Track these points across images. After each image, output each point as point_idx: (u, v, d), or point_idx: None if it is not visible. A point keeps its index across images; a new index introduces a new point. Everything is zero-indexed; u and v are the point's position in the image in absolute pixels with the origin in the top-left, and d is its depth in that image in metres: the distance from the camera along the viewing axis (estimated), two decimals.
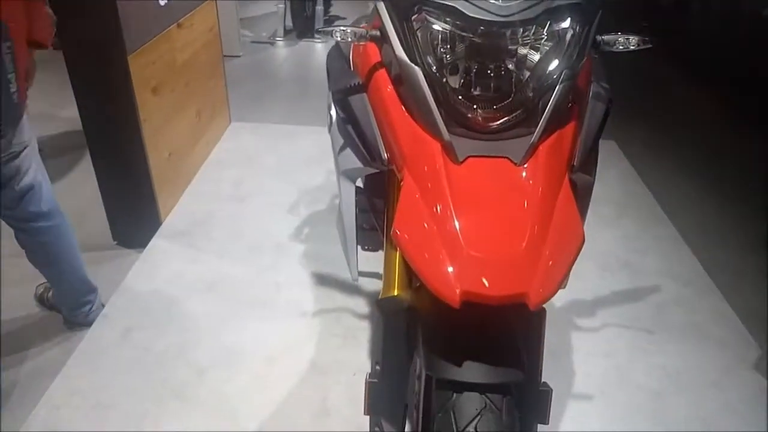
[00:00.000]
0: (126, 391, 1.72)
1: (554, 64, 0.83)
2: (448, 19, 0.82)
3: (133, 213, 2.36)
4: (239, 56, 4.58)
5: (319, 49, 5.03)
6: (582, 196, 0.98)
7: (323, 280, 2.20)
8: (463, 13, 0.80)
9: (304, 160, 3.03)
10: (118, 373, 1.77)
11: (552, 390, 1.01)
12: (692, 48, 4.28)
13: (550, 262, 0.78)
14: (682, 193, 2.88)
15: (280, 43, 5.08)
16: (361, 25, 1.16)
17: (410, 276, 1.09)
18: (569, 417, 1.69)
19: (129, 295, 2.08)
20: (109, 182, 2.30)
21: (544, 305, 1.04)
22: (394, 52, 0.86)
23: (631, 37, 0.90)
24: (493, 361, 0.83)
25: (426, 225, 0.81)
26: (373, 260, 2.22)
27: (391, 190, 1.11)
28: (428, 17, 0.83)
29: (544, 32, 0.84)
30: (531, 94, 0.85)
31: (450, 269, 0.77)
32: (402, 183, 0.87)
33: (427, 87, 0.83)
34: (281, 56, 4.82)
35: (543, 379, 1.00)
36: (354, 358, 1.85)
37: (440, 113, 0.83)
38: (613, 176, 2.98)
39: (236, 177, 2.85)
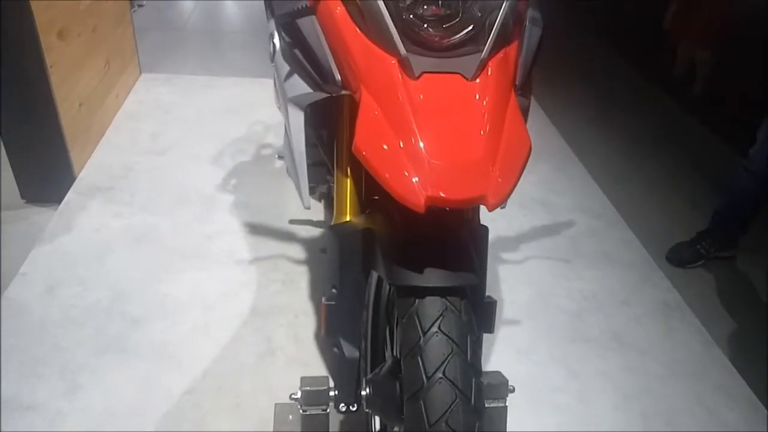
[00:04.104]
0: (57, 347, 1.65)
1: None
2: None
3: (44, 167, 2.21)
4: (143, 5, 4.30)
5: None
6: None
7: (256, 228, 2.19)
8: None
9: (224, 112, 2.94)
10: (46, 330, 1.69)
11: (496, 301, 1.10)
12: (597, 12, 4.51)
13: (504, 168, 0.85)
14: (590, 138, 3.09)
15: None
16: None
17: (361, 202, 1.12)
18: (501, 338, 1.82)
19: (48, 251, 1.97)
20: (15, 134, 2.12)
21: (486, 225, 1.13)
22: None
23: None
24: (450, 267, 0.89)
25: (387, 138, 0.84)
26: (307, 211, 2.23)
27: (340, 116, 1.13)
28: None
29: None
30: (479, 13, 0.89)
31: (413, 177, 0.81)
32: (359, 101, 0.89)
33: (382, 3, 0.85)
34: (189, 5, 4.57)
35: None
36: (295, 301, 1.88)
37: (396, 30, 0.85)
38: (530, 125, 3.13)
39: (153, 129, 2.72)
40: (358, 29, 0.90)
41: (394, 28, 0.85)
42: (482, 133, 0.85)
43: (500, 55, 0.91)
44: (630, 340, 1.88)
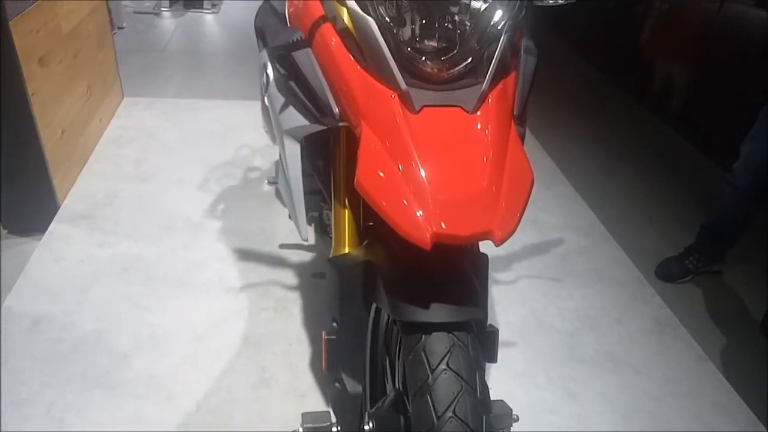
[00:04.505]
0: (43, 384, 1.59)
1: (498, 14, 0.87)
2: None
3: (26, 197, 2.16)
4: (122, 27, 4.27)
5: (209, 20, 4.81)
6: None
7: (245, 254, 2.15)
8: None
9: (208, 135, 2.91)
10: (32, 367, 1.64)
11: (498, 330, 1.08)
12: (580, 30, 4.57)
13: (509, 200, 0.84)
14: (577, 156, 3.12)
15: (166, 13, 4.79)
16: None
17: (360, 232, 1.11)
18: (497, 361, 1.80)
19: (33, 283, 1.91)
20: None
21: (486, 253, 1.12)
22: (345, 3, 0.86)
23: None
24: (456, 300, 0.87)
25: (390, 173, 0.83)
26: (297, 235, 2.20)
27: (337, 146, 1.11)
28: None
29: None
30: (477, 45, 0.89)
31: (419, 213, 0.80)
32: (360, 136, 0.88)
33: (381, 38, 0.84)
34: (169, 27, 4.54)
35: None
36: (288, 329, 1.85)
37: (396, 64, 0.85)
38: None
39: (136, 155, 2.68)
40: (356, 63, 0.89)
41: (393, 63, 0.85)
42: (485, 166, 0.84)
43: (499, 86, 0.91)
44: (625, 359, 1.87)
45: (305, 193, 1.42)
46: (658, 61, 3.66)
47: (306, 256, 2.17)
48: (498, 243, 0.82)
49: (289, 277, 2.06)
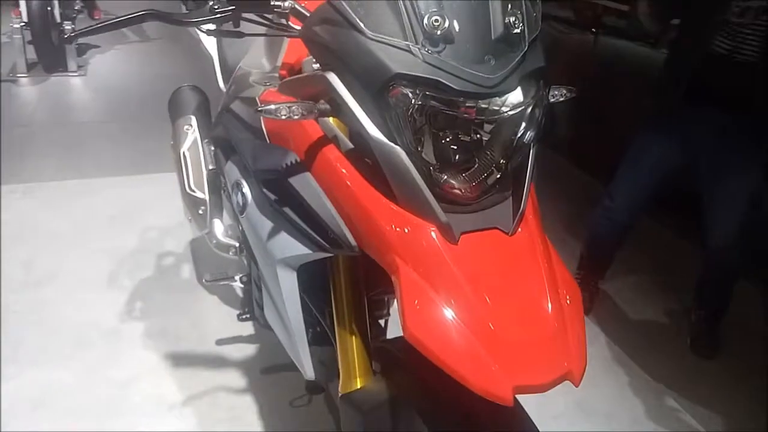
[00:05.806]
0: None
1: (522, 126, 0.81)
2: (428, 93, 0.74)
3: None
4: None
5: (77, 83, 4.39)
6: None
7: (180, 360, 1.91)
8: (448, 86, 0.73)
9: (107, 221, 2.59)
10: None
11: None
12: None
13: (573, 329, 0.77)
14: None
15: (24, 80, 4.29)
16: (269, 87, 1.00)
17: (370, 359, 0.98)
18: None
19: None
20: None
21: None
22: (365, 130, 0.75)
23: (561, 89, 0.92)
24: None
25: (445, 318, 0.73)
26: (233, 326, 1.99)
27: (337, 271, 0.98)
28: (404, 92, 0.74)
29: (512, 98, 0.80)
30: (501, 158, 0.82)
31: (492, 365, 0.71)
32: (398, 276, 0.76)
33: (413, 168, 0.75)
34: (30, 96, 4.07)
35: None
36: None
37: (432, 194, 0.75)
38: None
39: (23, 256, 2.31)
40: (379, 194, 0.78)
41: (430, 193, 0.75)
42: (544, 295, 0.77)
43: (531, 200, 0.85)
44: (594, 406, 1.89)
45: None
46: None
47: (249, 350, 1.97)
48: (578, 383, 0.75)
49: (236, 378, 1.85)
